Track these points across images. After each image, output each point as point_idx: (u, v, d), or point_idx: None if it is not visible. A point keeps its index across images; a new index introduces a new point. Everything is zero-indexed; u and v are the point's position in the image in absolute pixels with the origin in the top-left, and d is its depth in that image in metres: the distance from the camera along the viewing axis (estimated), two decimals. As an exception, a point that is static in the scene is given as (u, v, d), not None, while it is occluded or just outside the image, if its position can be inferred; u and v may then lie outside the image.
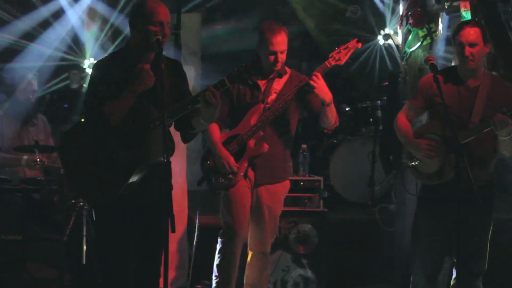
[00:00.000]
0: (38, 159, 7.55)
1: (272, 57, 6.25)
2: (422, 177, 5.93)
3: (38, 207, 7.57)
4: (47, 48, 10.77)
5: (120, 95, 5.04)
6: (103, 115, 5.03)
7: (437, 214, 5.84)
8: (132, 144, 5.08)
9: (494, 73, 7.02)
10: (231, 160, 6.27)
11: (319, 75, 6.10)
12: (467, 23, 5.90)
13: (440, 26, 8.02)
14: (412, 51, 8.00)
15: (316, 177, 8.12)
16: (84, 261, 7.34)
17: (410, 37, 8.06)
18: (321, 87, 6.10)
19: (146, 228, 5.26)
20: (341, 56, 6.20)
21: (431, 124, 6.02)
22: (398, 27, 8.35)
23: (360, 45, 6.28)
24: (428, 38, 7.98)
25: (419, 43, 7.98)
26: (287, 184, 6.70)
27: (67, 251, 7.41)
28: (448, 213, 5.60)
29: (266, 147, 6.28)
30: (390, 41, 11.83)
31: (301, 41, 12.12)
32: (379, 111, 10.08)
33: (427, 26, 7.94)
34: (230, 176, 6.31)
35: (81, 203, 7.41)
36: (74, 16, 10.80)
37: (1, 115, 8.06)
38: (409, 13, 7.94)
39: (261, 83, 6.39)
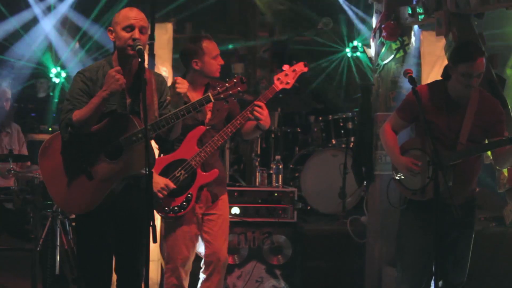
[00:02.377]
0: (12, 168, 7.48)
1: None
2: (407, 192, 5.94)
3: (11, 216, 7.51)
4: (20, 57, 10.72)
5: (93, 100, 5.00)
6: (71, 121, 4.99)
7: (421, 227, 5.85)
8: (113, 155, 5.07)
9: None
10: (169, 183, 6.03)
11: (263, 106, 5.99)
12: (476, 52, 5.66)
13: (413, 39, 8.08)
14: (385, 63, 8.05)
15: (290, 188, 8.14)
16: (57, 271, 7.31)
17: (383, 50, 8.10)
18: (265, 117, 6.01)
19: (127, 238, 5.25)
20: (288, 79, 6.09)
21: (417, 140, 5.97)
22: (371, 40, 8.40)
23: (306, 69, 6.17)
24: (401, 51, 8.02)
25: (392, 56, 8.02)
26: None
27: (40, 261, 7.36)
28: (432, 226, 5.65)
29: (216, 172, 6.20)
30: (358, 53, 11.96)
31: (271, 52, 12.15)
32: (350, 123, 10.14)
33: (400, 39, 7.98)
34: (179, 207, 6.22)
35: (55, 213, 7.38)
36: (48, 25, 10.77)
37: (-25, 124, 8.02)
38: (382, 25, 7.98)
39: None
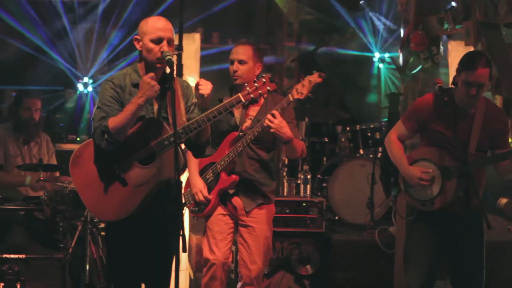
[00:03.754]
0: (41, 178, 7.51)
1: (230, 67, 6.31)
2: (416, 203, 5.91)
3: (41, 226, 7.55)
4: (49, 67, 10.82)
5: (128, 107, 5.02)
6: (107, 129, 5.00)
7: (428, 239, 5.85)
8: (146, 161, 5.10)
9: (497, 96, 7.07)
10: (204, 190, 6.21)
11: (277, 114, 5.92)
12: (480, 62, 5.58)
13: (441, 49, 8.06)
14: (413, 73, 8.04)
15: (319, 198, 8.13)
16: (87, 280, 7.32)
17: (411, 60, 8.10)
18: (277, 127, 5.91)
19: (156, 246, 5.27)
20: (303, 90, 5.97)
21: (427, 150, 5.91)
22: (399, 50, 8.39)
23: (321, 80, 6.04)
24: (429, 60, 8.00)
25: (420, 66, 8.01)
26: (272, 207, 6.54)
27: (70, 270, 7.38)
28: (439, 238, 5.64)
29: (233, 179, 6.22)
30: (386, 63, 11.94)
31: (298, 61, 12.15)
32: (378, 133, 10.12)
33: (428, 49, 7.97)
34: (202, 207, 6.29)
35: (84, 222, 7.40)
36: (76, 36, 10.87)
37: (5, 134, 8.04)
38: (411, 35, 7.97)
39: (235, 109, 6.24)
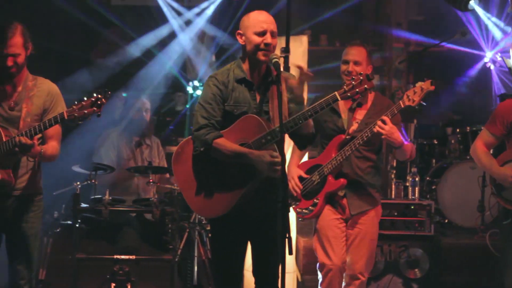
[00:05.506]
0: (151, 181, 7.65)
1: (344, 67, 6.29)
2: (510, 204, 5.80)
3: (150, 228, 7.68)
4: (158, 71, 10.99)
5: (240, 149, 5.08)
6: (210, 146, 5.08)
7: None
8: None
9: None
10: (296, 179, 6.26)
11: (387, 120, 5.89)
12: None
13: (554, 49, 7.87)
14: (525, 74, 7.87)
15: (427, 201, 8.03)
16: (195, 282, 7.42)
17: (523, 61, 7.93)
18: (388, 133, 5.88)
19: (264, 247, 5.30)
20: (415, 97, 5.93)
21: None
22: (511, 50, 8.22)
23: (433, 87, 5.96)
24: (541, 62, 7.83)
25: (532, 66, 7.84)
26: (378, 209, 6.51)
27: (178, 271, 7.49)
28: None
29: (341, 182, 6.19)
30: (496, 64, 11.68)
31: (406, 62, 12.02)
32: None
33: (540, 49, 7.80)
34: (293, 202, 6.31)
35: (192, 224, 7.51)
36: (185, 39, 11.02)
37: (118, 137, 8.20)
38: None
39: (342, 111, 6.32)
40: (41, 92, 5.62)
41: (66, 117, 5.26)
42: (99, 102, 5.23)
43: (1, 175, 5.38)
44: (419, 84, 5.94)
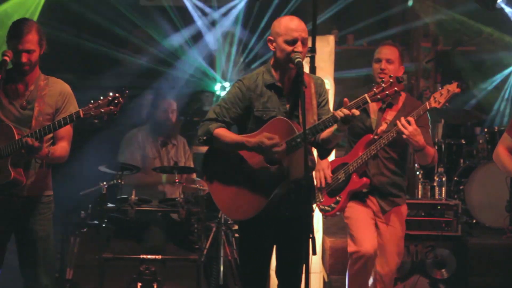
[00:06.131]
0: (176, 180, 7.66)
1: (376, 65, 6.29)
2: None
3: (176, 228, 7.70)
4: (186, 71, 11.02)
5: (238, 138, 5.16)
6: (211, 134, 5.15)
7: None
8: (274, 161, 5.12)
9: None
10: (327, 170, 6.25)
11: (412, 121, 5.92)
12: None
13: None
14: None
15: (454, 201, 7.99)
16: (221, 282, 7.42)
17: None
18: (410, 134, 5.92)
19: (289, 246, 5.31)
20: (441, 99, 5.99)
21: None
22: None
23: (459, 90, 6.02)
24: None
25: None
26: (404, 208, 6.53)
27: (204, 271, 7.50)
28: None
29: (363, 182, 6.21)
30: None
31: (434, 62, 11.97)
32: (518, 134, 9.84)
33: None
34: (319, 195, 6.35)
35: (218, 224, 7.51)
36: (211, 39, 11.04)
37: (143, 137, 8.22)
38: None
39: (372, 111, 6.35)
40: (53, 92, 5.62)
41: (82, 116, 5.27)
42: (116, 101, 5.24)
43: (13, 174, 5.37)
44: (446, 86, 5.97)
